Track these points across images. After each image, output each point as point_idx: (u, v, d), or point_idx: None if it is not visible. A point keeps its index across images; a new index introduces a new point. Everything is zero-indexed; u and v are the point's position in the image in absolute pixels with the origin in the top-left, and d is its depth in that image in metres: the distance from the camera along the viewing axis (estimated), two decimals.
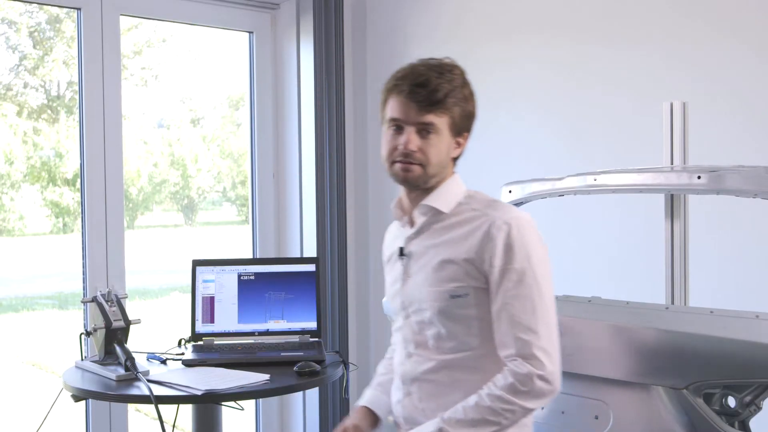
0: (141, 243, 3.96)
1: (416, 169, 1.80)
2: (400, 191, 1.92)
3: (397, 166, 1.81)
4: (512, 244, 1.73)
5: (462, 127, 1.84)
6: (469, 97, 1.84)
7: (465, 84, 1.84)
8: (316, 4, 3.80)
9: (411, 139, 1.78)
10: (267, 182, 3.98)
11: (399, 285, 1.91)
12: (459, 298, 1.78)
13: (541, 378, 1.70)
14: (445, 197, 1.85)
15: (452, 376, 1.81)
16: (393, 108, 1.82)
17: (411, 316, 1.87)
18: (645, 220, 2.95)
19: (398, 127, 1.81)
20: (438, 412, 1.79)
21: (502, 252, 1.74)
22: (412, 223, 1.90)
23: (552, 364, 1.71)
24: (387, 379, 2.04)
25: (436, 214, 1.85)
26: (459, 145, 1.86)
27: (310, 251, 3.83)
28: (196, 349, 2.72)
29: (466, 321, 1.79)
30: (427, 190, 1.85)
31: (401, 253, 1.90)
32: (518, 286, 1.73)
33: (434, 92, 1.77)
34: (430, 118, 1.78)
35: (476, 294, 1.77)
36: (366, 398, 2.02)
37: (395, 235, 1.98)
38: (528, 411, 1.72)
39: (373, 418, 1.97)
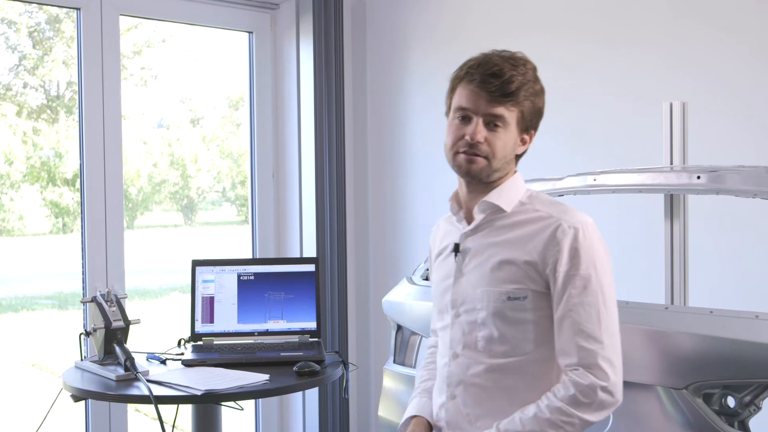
0: (140, 243, 3.96)
1: (480, 161, 1.73)
2: (458, 184, 1.85)
3: (461, 156, 1.74)
4: (579, 249, 1.67)
5: (530, 123, 1.77)
6: (539, 94, 1.77)
7: (537, 80, 1.77)
8: (316, 4, 3.80)
9: (478, 129, 1.71)
10: (266, 182, 3.98)
11: (450, 282, 1.83)
12: (516, 300, 1.71)
13: (604, 390, 1.63)
14: (507, 195, 1.78)
15: (500, 381, 1.74)
16: (461, 97, 1.74)
17: (461, 316, 1.79)
18: (645, 220, 2.95)
19: (465, 116, 1.74)
20: (483, 418, 1.74)
21: (567, 257, 1.67)
22: (468, 219, 1.84)
23: (615, 375, 1.65)
24: (431, 384, 1.94)
25: (496, 212, 1.78)
26: (524, 142, 1.79)
27: (310, 251, 3.83)
28: (195, 349, 2.71)
29: (521, 325, 1.72)
30: (488, 186, 1.78)
31: (456, 249, 1.83)
32: (583, 293, 1.66)
33: (507, 83, 1.70)
34: (500, 110, 1.71)
35: (534, 297, 1.71)
36: (414, 407, 1.92)
37: (447, 230, 1.91)
38: (588, 424, 1.65)
39: (428, 425, 1.87)
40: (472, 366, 1.77)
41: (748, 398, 1.85)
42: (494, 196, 1.77)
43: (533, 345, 1.72)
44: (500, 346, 1.74)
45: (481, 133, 1.71)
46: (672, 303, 2.29)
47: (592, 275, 1.67)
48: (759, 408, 1.86)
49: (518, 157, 1.82)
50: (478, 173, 1.75)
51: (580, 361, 1.65)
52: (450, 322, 1.83)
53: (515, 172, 1.82)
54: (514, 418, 1.68)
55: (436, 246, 1.95)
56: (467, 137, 1.72)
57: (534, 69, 1.77)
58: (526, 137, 1.79)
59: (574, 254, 1.67)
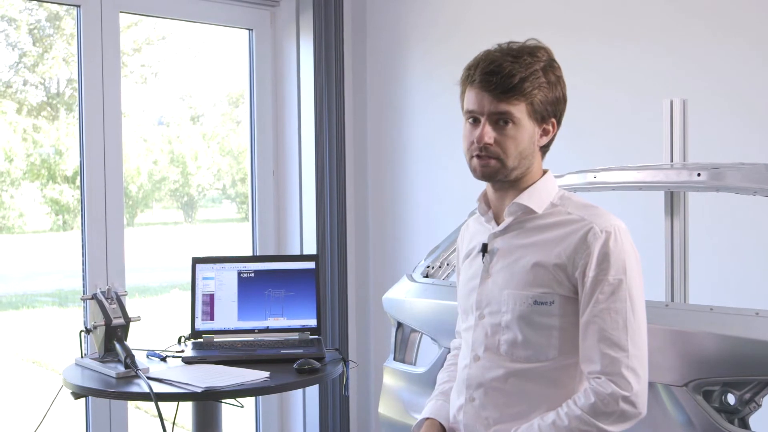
0: (141, 240, 3.96)
1: (493, 164, 1.68)
2: (485, 184, 1.81)
3: (475, 161, 1.70)
4: (609, 254, 1.63)
5: (546, 113, 1.71)
6: (555, 83, 1.71)
7: (549, 68, 1.71)
8: (316, 1, 3.79)
9: (485, 131, 1.67)
10: (267, 180, 3.98)
11: (476, 282, 1.79)
12: (543, 305, 1.67)
13: (626, 400, 1.59)
14: (538, 196, 1.74)
15: (520, 386, 1.71)
16: (468, 99, 1.71)
17: (485, 317, 1.76)
18: (645, 218, 2.95)
19: (474, 119, 1.70)
20: (501, 422, 1.71)
21: (597, 261, 1.63)
22: (497, 220, 1.80)
23: (639, 386, 1.61)
24: (449, 387, 1.91)
25: (527, 213, 1.74)
26: (546, 132, 1.73)
27: (310, 248, 3.83)
28: (195, 346, 2.72)
29: (546, 330, 1.68)
30: (516, 186, 1.74)
31: (484, 249, 1.78)
32: (610, 299, 1.62)
33: (507, 78, 1.64)
34: (504, 107, 1.66)
35: (562, 302, 1.67)
36: (429, 409, 1.89)
37: (476, 230, 1.87)
38: None
39: (441, 428, 1.84)
40: (492, 369, 1.74)
41: (748, 395, 1.85)
42: (525, 198, 1.73)
43: (557, 351, 1.69)
44: (523, 351, 1.70)
45: (489, 134, 1.67)
46: (672, 300, 2.29)
47: (622, 281, 1.63)
48: (759, 405, 1.86)
49: (544, 149, 1.77)
50: (493, 175, 1.71)
51: (603, 369, 1.61)
52: (473, 324, 1.79)
53: (546, 172, 1.79)
54: (532, 425, 1.65)
55: (465, 246, 1.91)
56: (476, 141, 1.69)
57: (547, 57, 1.72)
58: (548, 127, 1.73)
59: (604, 259, 1.63)
